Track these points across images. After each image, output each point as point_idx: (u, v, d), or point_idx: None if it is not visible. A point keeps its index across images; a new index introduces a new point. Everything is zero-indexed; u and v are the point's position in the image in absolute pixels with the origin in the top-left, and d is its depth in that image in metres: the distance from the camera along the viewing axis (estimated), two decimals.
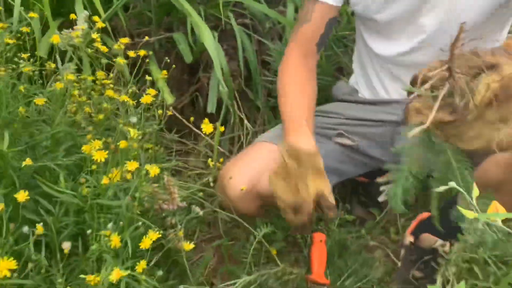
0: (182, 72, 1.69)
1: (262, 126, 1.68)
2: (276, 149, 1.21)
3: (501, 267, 1.13)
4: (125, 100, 1.12)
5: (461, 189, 0.68)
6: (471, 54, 0.71)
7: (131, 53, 1.16)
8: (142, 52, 1.15)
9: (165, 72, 1.21)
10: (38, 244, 0.88)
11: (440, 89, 0.71)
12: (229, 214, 1.24)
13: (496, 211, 0.68)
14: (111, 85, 1.14)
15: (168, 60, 1.29)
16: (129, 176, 0.90)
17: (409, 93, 0.78)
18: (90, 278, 0.77)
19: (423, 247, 1.31)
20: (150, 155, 1.16)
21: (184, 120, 1.55)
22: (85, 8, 1.49)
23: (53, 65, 1.12)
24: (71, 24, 1.40)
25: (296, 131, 1.15)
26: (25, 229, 0.85)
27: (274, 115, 1.70)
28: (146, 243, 0.84)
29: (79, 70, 1.30)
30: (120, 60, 1.09)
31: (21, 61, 1.07)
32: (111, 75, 1.17)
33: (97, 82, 1.15)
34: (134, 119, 1.06)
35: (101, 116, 1.10)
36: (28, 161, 0.85)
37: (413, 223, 1.39)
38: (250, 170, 1.21)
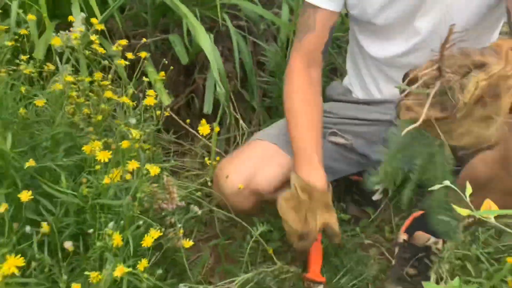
0: (178, 74, 1.70)
1: (258, 127, 1.69)
2: (270, 146, 1.27)
3: (493, 264, 1.16)
4: (124, 102, 1.13)
5: (456, 188, 0.69)
6: (461, 54, 0.73)
7: (130, 55, 1.17)
8: (143, 54, 1.16)
9: (163, 73, 1.22)
10: (39, 243, 0.89)
11: (431, 87, 0.73)
12: (226, 213, 1.25)
13: (489, 209, 0.70)
14: (109, 86, 1.15)
15: (166, 62, 1.30)
16: (128, 176, 0.92)
17: (402, 91, 0.81)
18: (94, 275, 0.78)
19: (417, 244, 1.33)
20: (148, 156, 1.18)
21: (180, 121, 1.56)
22: (81, 10, 1.50)
23: (52, 67, 1.13)
24: (67, 26, 1.41)
25: (308, 165, 1.19)
26: (28, 228, 0.86)
27: (269, 115, 1.72)
28: (147, 241, 0.85)
29: (75, 72, 1.30)
30: (122, 62, 1.10)
31: (22, 62, 1.07)
32: (110, 76, 1.18)
33: (95, 83, 1.16)
34: (133, 120, 1.07)
35: (99, 117, 1.11)
36: (31, 162, 0.86)
37: (407, 222, 1.41)
38: (245, 168, 1.24)
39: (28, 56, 1.19)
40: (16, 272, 0.71)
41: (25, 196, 0.83)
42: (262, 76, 1.70)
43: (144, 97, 1.20)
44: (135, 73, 1.21)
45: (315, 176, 1.18)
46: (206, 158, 1.25)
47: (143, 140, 1.14)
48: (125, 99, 1.03)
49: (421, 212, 1.39)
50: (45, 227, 0.82)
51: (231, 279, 1.13)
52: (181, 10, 1.48)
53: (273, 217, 1.35)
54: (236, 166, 1.25)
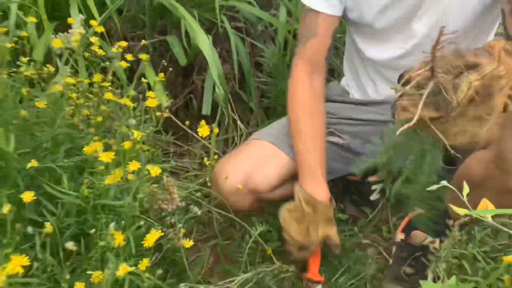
0: (176, 75, 1.70)
1: (256, 127, 1.70)
2: (268, 146, 1.30)
3: (489, 262, 1.17)
4: (124, 103, 1.13)
5: (452, 187, 0.71)
6: (454, 55, 0.75)
7: (129, 57, 1.18)
8: (144, 56, 1.16)
9: (162, 75, 1.23)
10: (40, 244, 0.90)
11: (425, 87, 0.74)
12: (225, 213, 1.26)
13: (486, 208, 0.71)
14: (109, 88, 1.15)
15: (165, 64, 1.31)
16: (131, 176, 0.92)
17: (397, 92, 0.82)
18: (97, 274, 0.79)
19: (414, 244, 1.34)
20: (148, 157, 1.19)
21: (178, 122, 1.57)
22: (79, 11, 1.51)
23: (52, 69, 1.14)
24: (65, 28, 1.41)
25: (312, 179, 1.23)
26: (30, 229, 0.87)
27: (267, 115, 1.73)
28: (149, 241, 0.86)
29: (74, 73, 1.31)
30: (123, 64, 1.11)
31: (22, 64, 1.08)
32: (110, 78, 1.18)
33: (95, 85, 1.17)
34: (133, 121, 1.08)
35: (99, 118, 1.11)
36: (34, 163, 0.86)
37: (404, 221, 1.42)
38: (243, 167, 1.27)
39: (28, 58, 1.20)
40: (21, 271, 0.71)
41: (28, 196, 0.84)
42: (260, 77, 1.72)
43: (143, 98, 1.21)
44: (135, 75, 1.22)
45: (319, 190, 1.22)
46: (206, 159, 1.26)
47: (142, 141, 1.15)
48: (126, 101, 1.03)
49: (418, 212, 1.40)
50: (48, 228, 0.82)
51: (230, 279, 1.14)
52: (180, 12, 1.49)
53: (272, 217, 1.36)
54: (235, 166, 1.27)
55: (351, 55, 1.41)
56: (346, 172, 1.42)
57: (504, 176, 0.99)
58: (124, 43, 1.20)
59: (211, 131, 1.21)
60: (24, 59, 1.12)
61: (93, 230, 0.90)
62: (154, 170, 0.91)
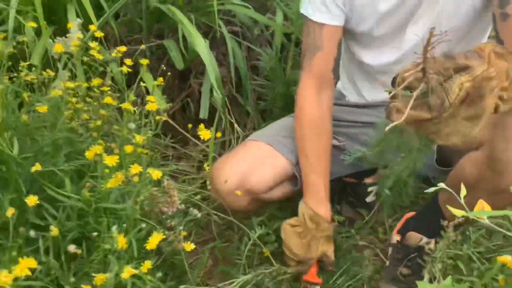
0: (173, 78, 1.72)
1: (252, 130, 1.71)
2: (265, 147, 1.32)
3: (484, 263, 1.18)
4: (123, 107, 1.14)
5: (449, 189, 0.72)
6: (446, 57, 0.77)
7: (128, 61, 1.18)
8: (144, 61, 1.18)
9: (161, 79, 1.24)
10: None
11: (416, 88, 0.76)
12: (224, 216, 1.28)
13: (482, 209, 0.73)
14: (109, 92, 1.16)
15: (164, 68, 1.32)
16: (136, 179, 0.93)
17: (390, 94, 0.84)
18: (101, 277, 0.80)
19: (409, 245, 1.35)
20: (147, 160, 1.19)
21: (176, 126, 1.58)
22: (77, 16, 1.52)
23: (52, 73, 1.14)
24: (62, 32, 1.42)
25: (316, 198, 1.27)
26: (32, 233, 0.87)
27: (263, 118, 1.75)
28: (152, 243, 0.87)
29: (72, 78, 1.32)
30: (125, 68, 1.12)
31: (22, 69, 1.08)
32: (109, 82, 1.19)
33: (95, 89, 1.18)
34: (132, 125, 1.09)
35: (99, 122, 1.12)
36: (37, 167, 0.87)
37: (400, 223, 1.44)
38: (240, 168, 1.29)
39: (26, 62, 1.21)
40: (29, 274, 0.72)
41: (32, 200, 0.84)
42: (256, 80, 1.73)
43: (142, 102, 1.22)
44: (136, 79, 1.23)
45: (321, 209, 1.26)
46: (206, 165, 1.27)
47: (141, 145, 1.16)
48: (127, 105, 1.04)
49: (413, 213, 1.42)
50: (54, 231, 0.83)
51: (230, 281, 1.15)
52: (177, 16, 1.50)
53: (269, 219, 1.37)
54: (232, 166, 1.29)
55: (347, 60, 1.42)
56: (342, 174, 1.44)
57: (496, 177, 1.01)
58: (123, 48, 1.21)
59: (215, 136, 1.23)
60: (24, 64, 1.13)
61: (95, 233, 0.90)
62: (156, 173, 0.92)
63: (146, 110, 1.14)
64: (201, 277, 1.29)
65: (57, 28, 1.54)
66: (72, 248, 0.88)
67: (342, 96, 1.47)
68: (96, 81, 1.21)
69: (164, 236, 0.91)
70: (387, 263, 1.38)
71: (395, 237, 1.39)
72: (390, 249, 1.40)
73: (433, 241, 1.33)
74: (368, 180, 1.50)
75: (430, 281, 1.23)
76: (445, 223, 1.14)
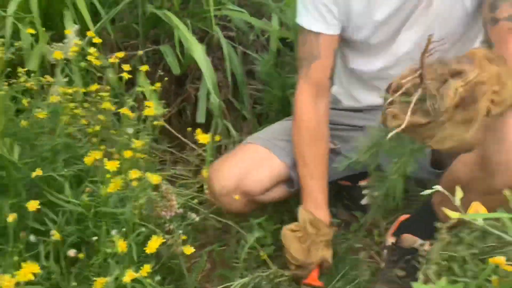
0: (169, 83, 1.73)
1: (248, 135, 1.72)
2: (261, 150, 1.34)
3: (478, 264, 1.20)
4: (120, 112, 1.15)
5: (446, 192, 0.74)
6: (439, 63, 0.78)
7: (126, 67, 1.20)
8: (144, 68, 1.19)
9: (158, 84, 1.25)
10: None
11: (414, 94, 0.78)
12: (222, 220, 1.29)
13: (477, 211, 0.74)
14: (107, 98, 1.17)
15: (162, 73, 1.33)
16: (135, 183, 0.94)
17: (386, 100, 0.86)
18: (101, 281, 0.80)
19: (404, 247, 1.37)
20: (145, 165, 1.20)
21: (173, 131, 1.59)
22: (73, 21, 1.53)
23: (51, 79, 1.15)
24: (59, 37, 1.43)
25: (314, 203, 1.29)
26: (32, 237, 0.88)
27: (259, 123, 1.76)
28: (151, 247, 0.88)
29: (69, 83, 1.33)
30: (125, 75, 1.14)
31: (20, 75, 1.09)
32: (107, 87, 1.20)
33: (93, 95, 1.19)
34: (130, 130, 1.10)
35: (97, 128, 1.13)
36: (38, 172, 0.88)
37: (394, 225, 1.45)
38: (237, 170, 1.31)
39: (23, 68, 1.21)
40: (32, 278, 0.73)
41: (33, 206, 0.85)
42: (252, 84, 1.75)
43: (138, 107, 1.23)
44: (133, 84, 1.24)
45: (320, 215, 1.27)
46: (204, 170, 1.28)
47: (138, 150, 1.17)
48: (125, 110, 1.06)
49: (407, 216, 1.43)
50: (56, 236, 0.84)
51: (228, 284, 1.16)
52: (174, 22, 1.51)
53: (266, 221, 1.38)
54: (229, 168, 1.31)
55: (341, 67, 1.44)
56: (338, 177, 1.45)
57: (488, 178, 1.02)
58: (121, 54, 1.23)
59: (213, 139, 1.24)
60: (23, 70, 1.13)
61: (95, 238, 0.91)
62: (155, 178, 0.93)
63: (143, 115, 1.15)
64: (199, 281, 1.30)
65: (54, 33, 1.55)
66: (72, 252, 0.89)
67: (337, 101, 1.49)
68: (93, 87, 1.22)
69: (164, 240, 0.92)
70: (382, 265, 1.40)
71: (390, 240, 1.40)
72: (385, 251, 1.41)
73: (427, 242, 1.35)
74: (362, 183, 1.52)
75: (425, 282, 1.24)
76: (439, 224, 1.16)
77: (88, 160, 0.96)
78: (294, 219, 1.30)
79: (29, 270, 0.73)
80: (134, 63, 1.45)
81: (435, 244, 1.22)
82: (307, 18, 1.25)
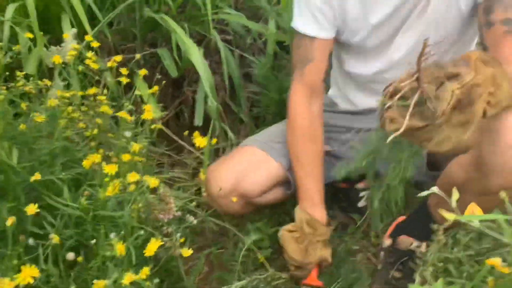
0: (167, 86, 1.73)
1: (246, 137, 1.73)
2: (258, 152, 1.35)
3: (474, 265, 1.21)
4: (118, 115, 1.16)
5: (442, 194, 0.74)
6: (436, 66, 0.79)
7: (124, 70, 1.20)
8: (143, 72, 1.19)
9: (156, 88, 1.26)
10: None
11: (411, 98, 0.79)
12: (219, 222, 1.29)
13: (473, 213, 0.75)
14: (105, 101, 1.18)
15: (159, 76, 1.34)
16: (132, 187, 0.95)
17: (383, 105, 0.86)
18: (100, 284, 0.81)
19: (401, 248, 1.38)
20: (142, 168, 1.21)
21: (170, 134, 1.59)
22: (71, 25, 1.53)
23: (49, 83, 1.16)
24: (57, 41, 1.43)
25: (310, 202, 1.29)
26: (31, 241, 0.89)
27: (256, 125, 1.77)
28: (150, 250, 0.88)
29: (66, 87, 1.33)
30: (123, 79, 1.14)
31: (19, 78, 1.10)
32: (106, 91, 1.21)
33: (91, 98, 1.19)
34: (128, 134, 1.11)
35: (95, 131, 1.14)
36: (37, 176, 0.88)
37: (391, 227, 1.46)
38: (234, 172, 1.32)
39: (19, 71, 1.22)
40: (31, 281, 0.73)
41: (32, 209, 0.86)
42: (250, 87, 1.75)
43: (136, 110, 1.24)
44: (130, 87, 1.25)
45: (319, 213, 1.28)
46: (202, 173, 1.29)
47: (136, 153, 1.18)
48: (123, 114, 1.06)
49: (404, 217, 1.44)
50: (55, 239, 0.84)
51: (225, 286, 1.17)
52: (171, 25, 1.52)
53: (264, 224, 1.39)
54: (226, 170, 1.32)
55: (337, 70, 1.45)
56: (334, 179, 1.46)
57: (483, 179, 1.03)
58: (119, 58, 1.23)
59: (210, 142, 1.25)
60: (21, 74, 1.14)
61: (93, 241, 0.92)
62: (153, 181, 0.94)
63: (141, 118, 1.15)
64: (197, 283, 1.31)
65: (52, 37, 1.56)
66: (71, 255, 0.89)
67: (334, 104, 1.50)
68: (91, 90, 1.22)
69: (162, 243, 0.92)
70: (379, 266, 1.41)
71: (387, 241, 1.41)
72: (382, 253, 1.42)
73: (424, 244, 1.35)
74: (359, 185, 1.53)
75: (422, 284, 1.25)
76: (435, 226, 1.16)
77: (86, 163, 0.96)
78: (292, 221, 1.31)
79: (28, 273, 0.73)
80: (132, 66, 1.46)
81: (432, 246, 1.23)
82: (302, 21, 1.26)
